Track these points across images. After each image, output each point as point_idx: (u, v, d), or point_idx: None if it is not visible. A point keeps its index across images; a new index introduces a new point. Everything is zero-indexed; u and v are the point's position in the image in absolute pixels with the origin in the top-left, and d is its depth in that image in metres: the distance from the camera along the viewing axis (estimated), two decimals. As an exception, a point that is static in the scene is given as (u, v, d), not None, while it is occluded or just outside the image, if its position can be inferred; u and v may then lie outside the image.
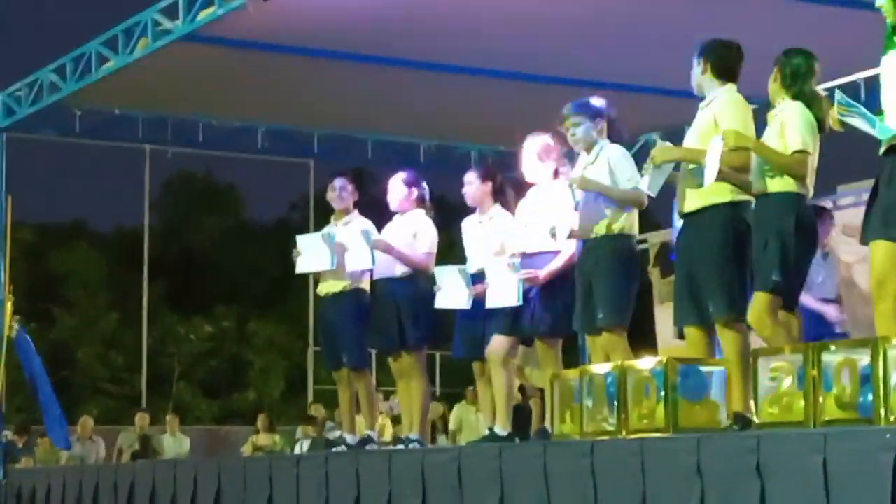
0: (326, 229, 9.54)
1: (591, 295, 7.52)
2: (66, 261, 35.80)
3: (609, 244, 7.52)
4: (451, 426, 15.60)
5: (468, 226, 8.95)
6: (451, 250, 9.88)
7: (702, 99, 7.10)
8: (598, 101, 7.81)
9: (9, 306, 13.32)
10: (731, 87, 6.96)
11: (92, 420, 18.63)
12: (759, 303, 6.55)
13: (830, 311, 9.75)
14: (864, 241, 6.17)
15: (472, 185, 8.85)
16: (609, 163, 7.57)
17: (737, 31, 7.17)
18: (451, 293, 8.65)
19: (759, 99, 7.16)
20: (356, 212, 9.58)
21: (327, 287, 9.53)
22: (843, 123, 6.14)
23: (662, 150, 6.96)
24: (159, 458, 16.04)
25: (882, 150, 6.06)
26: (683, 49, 7.21)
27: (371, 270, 9.30)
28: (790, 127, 6.56)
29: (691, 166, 6.89)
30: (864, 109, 6.07)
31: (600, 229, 7.53)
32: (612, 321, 7.46)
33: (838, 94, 6.07)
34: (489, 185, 8.83)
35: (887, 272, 5.98)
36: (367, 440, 9.44)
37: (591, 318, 7.53)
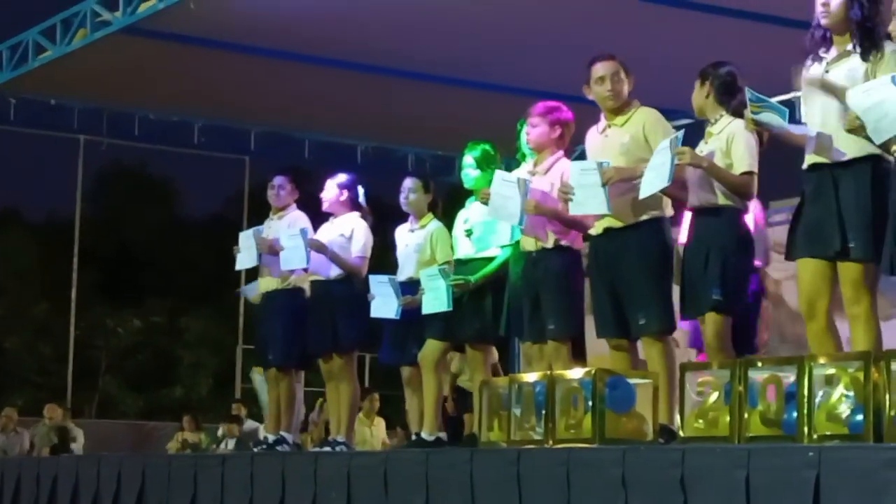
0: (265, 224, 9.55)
1: (538, 306, 7.50)
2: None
3: (556, 256, 7.50)
4: None
5: (401, 234, 8.95)
6: (385, 253, 9.85)
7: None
8: (565, 111, 7.69)
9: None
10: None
11: (16, 412, 18.45)
12: (712, 323, 6.57)
13: None
14: (790, 257, 6.21)
15: (416, 194, 8.83)
16: (562, 179, 7.38)
17: (669, 46, 7.22)
18: (382, 302, 8.66)
19: (683, 112, 7.21)
20: (293, 206, 9.54)
21: (265, 284, 9.51)
22: (756, 122, 6.15)
23: (616, 170, 6.85)
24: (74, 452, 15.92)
25: (805, 165, 6.11)
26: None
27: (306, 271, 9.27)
28: (737, 148, 6.57)
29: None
30: (774, 103, 6.09)
31: (547, 243, 7.52)
32: (562, 332, 7.45)
33: (748, 92, 6.08)
34: (430, 196, 8.85)
35: (817, 290, 6.02)
36: (279, 441, 9.40)
37: (539, 328, 7.51)
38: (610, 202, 6.81)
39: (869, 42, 5.89)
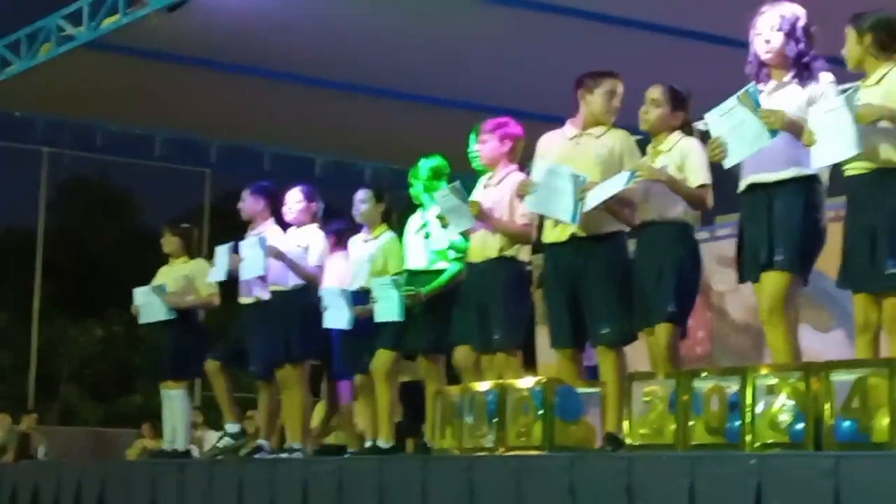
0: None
1: (485, 316, 7.49)
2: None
3: (501, 267, 7.49)
4: None
5: (354, 244, 8.98)
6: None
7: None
8: (513, 125, 7.69)
9: None
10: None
11: (-19, 418, 18.32)
12: (666, 334, 6.60)
13: None
14: (741, 280, 6.32)
15: (368, 205, 8.89)
16: (511, 191, 7.38)
17: (620, 66, 7.24)
18: (335, 313, 8.68)
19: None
20: (271, 220, 9.49)
21: (244, 299, 9.51)
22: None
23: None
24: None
25: (742, 187, 6.20)
26: (567, 80, 7.24)
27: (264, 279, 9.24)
28: (692, 162, 6.62)
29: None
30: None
31: (492, 252, 7.54)
32: (508, 342, 7.43)
33: (752, 87, 6.06)
34: (382, 205, 8.88)
35: (772, 306, 6.08)
36: (257, 449, 9.40)
37: (486, 338, 7.50)
38: (579, 215, 6.70)
39: (807, 73, 6.11)
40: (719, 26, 9.62)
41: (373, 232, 8.87)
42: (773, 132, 5.91)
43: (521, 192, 6.99)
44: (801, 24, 6.13)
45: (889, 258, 5.64)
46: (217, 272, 9.40)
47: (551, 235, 7.00)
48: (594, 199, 6.65)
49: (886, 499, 4.57)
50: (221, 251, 9.37)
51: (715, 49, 9.87)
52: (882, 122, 5.66)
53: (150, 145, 14.32)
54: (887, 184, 5.72)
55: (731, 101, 6.05)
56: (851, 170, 5.83)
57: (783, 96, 6.10)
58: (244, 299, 9.47)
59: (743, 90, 6.03)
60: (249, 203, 9.53)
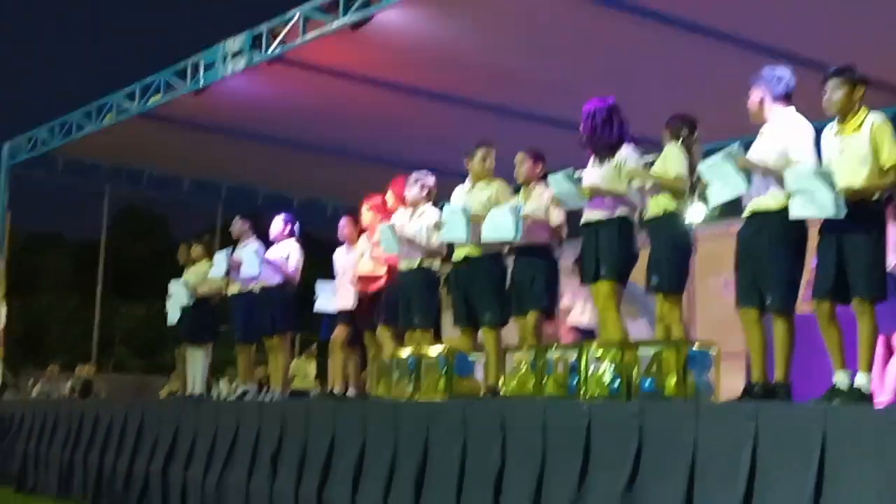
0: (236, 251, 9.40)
1: (410, 307, 7.45)
2: (44, 259, 34.69)
3: (420, 274, 7.46)
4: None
5: (339, 255, 8.83)
6: (312, 270, 9.78)
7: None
8: (430, 177, 7.66)
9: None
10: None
11: (58, 367, 17.95)
12: (533, 318, 6.61)
13: None
14: (582, 283, 6.34)
15: (349, 228, 8.77)
16: (428, 221, 7.43)
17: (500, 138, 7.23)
18: (325, 301, 8.56)
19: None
20: (253, 237, 9.39)
21: (232, 289, 9.32)
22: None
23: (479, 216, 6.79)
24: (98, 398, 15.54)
25: (582, 222, 6.23)
26: (451, 143, 7.27)
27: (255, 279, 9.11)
28: (554, 209, 6.67)
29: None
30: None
31: (414, 264, 7.52)
32: (424, 324, 7.40)
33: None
34: (359, 227, 8.79)
35: (603, 304, 6.12)
36: (245, 392, 9.28)
37: (410, 321, 7.46)
38: (470, 234, 6.74)
39: (605, 152, 6.13)
40: (562, 112, 9.67)
41: (351, 246, 8.74)
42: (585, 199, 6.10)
43: (438, 228, 7.06)
44: (615, 114, 6.12)
45: (652, 274, 5.82)
46: (217, 270, 9.26)
47: (455, 255, 7.06)
48: (493, 235, 6.64)
49: (673, 432, 4.61)
50: (220, 255, 9.24)
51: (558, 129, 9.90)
52: (647, 182, 5.85)
53: (180, 185, 14.17)
54: (660, 226, 5.87)
55: (569, 171, 6.18)
56: (647, 215, 5.96)
57: (596, 167, 6.13)
58: (231, 290, 9.34)
59: (570, 173, 6.14)
60: (238, 225, 9.42)
